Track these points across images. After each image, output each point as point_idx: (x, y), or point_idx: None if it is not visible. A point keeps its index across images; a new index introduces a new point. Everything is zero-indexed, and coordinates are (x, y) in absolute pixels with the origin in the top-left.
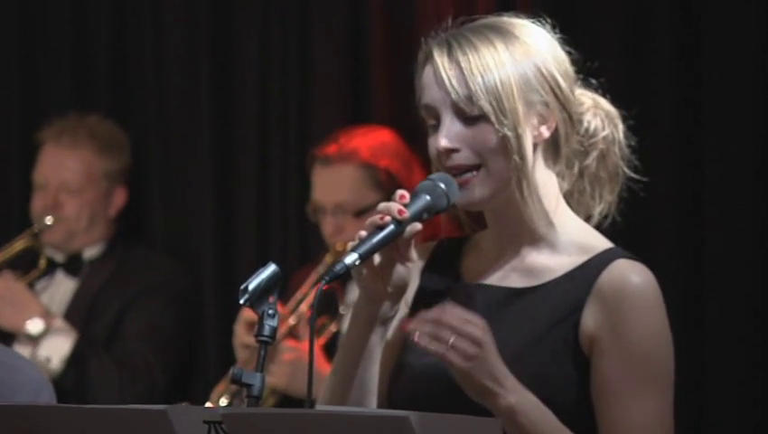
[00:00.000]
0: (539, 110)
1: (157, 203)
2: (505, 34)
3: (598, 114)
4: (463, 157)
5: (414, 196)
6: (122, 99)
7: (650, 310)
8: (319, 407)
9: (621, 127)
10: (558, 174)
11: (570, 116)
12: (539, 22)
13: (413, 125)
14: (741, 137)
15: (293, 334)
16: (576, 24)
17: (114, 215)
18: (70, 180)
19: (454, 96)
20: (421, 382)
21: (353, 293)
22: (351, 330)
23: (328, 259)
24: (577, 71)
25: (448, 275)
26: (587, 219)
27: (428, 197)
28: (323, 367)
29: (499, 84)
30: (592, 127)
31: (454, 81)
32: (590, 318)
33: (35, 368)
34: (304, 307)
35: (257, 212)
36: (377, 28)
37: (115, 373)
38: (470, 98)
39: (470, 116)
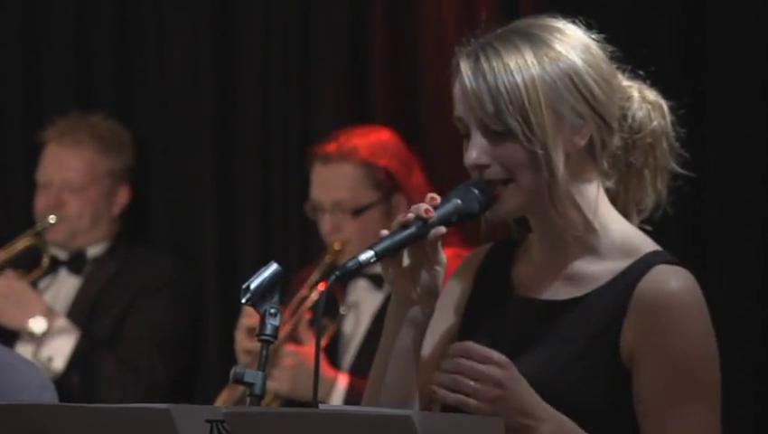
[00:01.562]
0: (572, 120)
1: (159, 203)
2: (535, 42)
3: (644, 106)
4: (494, 172)
5: (445, 199)
6: (124, 99)
7: (690, 318)
8: (322, 406)
9: (669, 117)
10: (598, 176)
11: (606, 121)
12: (575, 22)
13: (413, 125)
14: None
15: (294, 337)
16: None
17: (117, 214)
18: (73, 178)
19: (479, 113)
20: None
21: (353, 294)
22: (387, 334)
23: (327, 259)
24: (624, 62)
25: (499, 282)
26: (639, 212)
27: (459, 201)
28: (325, 369)
29: (526, 100)
30: (638, 121)
31: (479, 98)
32: (629, 330)
33: (37, 369)
34: (304, 310)
35: (258, 212)
36: (378, 28)
37: (117, 372)
38: (496, 115)
39: (497, 131)
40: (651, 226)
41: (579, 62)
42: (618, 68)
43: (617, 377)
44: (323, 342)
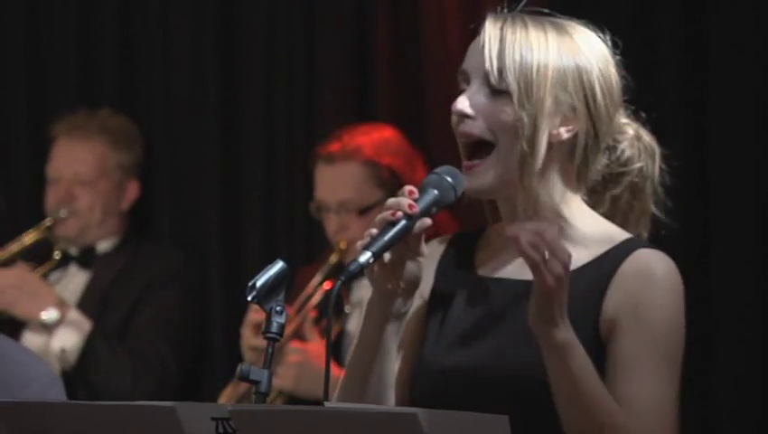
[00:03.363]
0: (565, 112)
1: (165, 200)
2: (561, 32)
3: (636, 145)
4: (475, 127)
5: (422, 191)
6: (128, 96)
7: (672, 296)
8: (328, 404)
9: (657, 163)
10: (572, 178)
11: (596, 131)
12: (602, 37)
13: (417, 123)
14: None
15: (299, 335)
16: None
17: (126, 209)
18: (84, 172)
19: (487, 64)
20: (442, 382)
21: (358, 292)
22: (366, 327)
23: (332, 258)
24: (630, 101)
25: (463, 269)
26: None
27: (436, 191)
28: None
29: (534, 69)
30: (626, 156)
31: (492, 51)
32: (611, 304)
33: (45, 364)
34: (309, 308)
35: (263, 209)
36: (382, 26)
37: (128, 364)
38: (501, 72)
39: (496, 88)
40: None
41: (594, 68)
42: (625, 101)
43: (596, 351)
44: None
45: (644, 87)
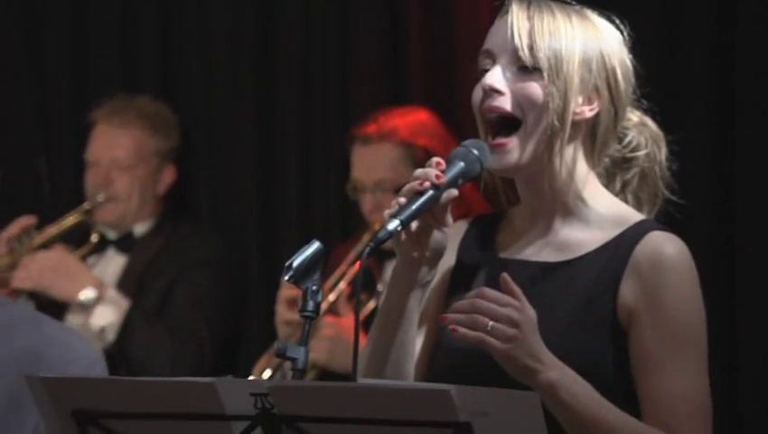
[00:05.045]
0: (589, 91)
1: (203, 184)
2: (583, 17)
3: (643, 132)
4: (505, 102)
5: (449, 163)
6: (167, 83)
7: (685, 280)
8: (361, 380)
9: (663, 149)
10: (591, 157)
11: (616, 111)
12: (617, 25)
13: (450, 105)
14: None
15: (332, 310)
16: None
17: (163, 192)
18: (122, 157)
19: (517, 41)
20: (460, 358)
21: (389, 271)
22: (391, 294)
23: (366, 236)
24: (653, 89)
25: (484, 251)
26: None
27: (462, 163)
28: (362, 342)
29: (563, 49)
30: (634, 143)
31: (522, 30)
32: (627, 291)
33: (88, 343)
34: (343, 285)
35: (299, 191)
36: (414, 12)
37: (167, 342)
38: (532, 48)
39: (526, 65)
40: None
41: (615, 52)
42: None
43: (616, 336)
44: (362, 316)
45: (670, 75)
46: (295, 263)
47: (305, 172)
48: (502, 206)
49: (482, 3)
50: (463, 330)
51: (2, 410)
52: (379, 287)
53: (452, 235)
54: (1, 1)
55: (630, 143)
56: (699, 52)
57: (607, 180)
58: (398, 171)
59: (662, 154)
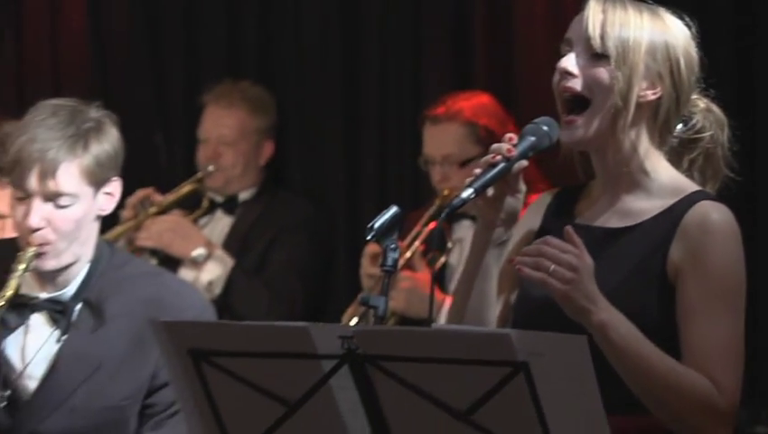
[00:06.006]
0: (653, 77)
1: (297, 157)
2: (653, 13)
3: (708, 117)
4: (576, 83)
5: (521, 138)
6: (267, 69)
7: (727, 243)
8: (434, 325)
9: (726, 132)
10: (654, 135)
11: (678, 96)
12: (688, 23)
13: (509, 90)
14: None
15: (409, 265)
16: None
17: (263, 164)
18: (228, 135)
19: (590, 31)
20: (536, 310)
21: (459, 231)
22: (472, 252)
23: (437, 202)
24: (701, 81)
25: (563, 217)
26: None
27: (533, 138)
28: (435, 293)
29: (630, 39)
30: (699, 126)
31: (596, 22)
32: (675, 251)
33: (199, 294)
34: (417, 243)
35: (378, 164)
36: (479, 9)
37: (264, 294)
38: (602, 37)
39: (597, 53)
40: None
41: (680, 45)
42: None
43: (664, 290)
44: (434, 269)
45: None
46: (377, 224)
47: (383, 147)
48: (579, 179)
49: (538, 8)
50: (527, 270)
51: (130, 347)
52: (449, 244)
53: (539, 204)
54: (126, 1)
55: (695, 125)
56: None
57: (676, 158)
58: (462, 147)
59: (725, 136)
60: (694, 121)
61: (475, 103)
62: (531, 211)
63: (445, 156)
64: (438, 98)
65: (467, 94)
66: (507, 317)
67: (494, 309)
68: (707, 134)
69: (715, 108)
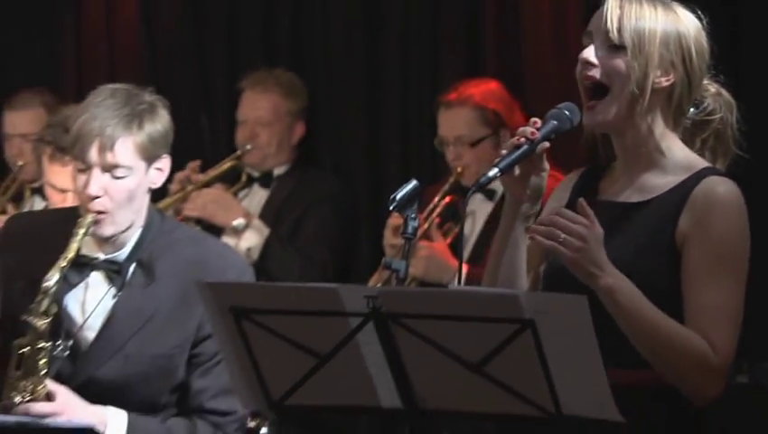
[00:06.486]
0: (666, 65)
1: (325, 136)
2: (667, 7)
3: (718, 100)
4: (596, 72)
5: (544, 121)
6: (298, 57)
7: (731, 215)
8: (451, 287)
9: (735, 114)
10: (668, 118)
11: (690, 82)
12: (699, 15)
13: (516, 78)
14: None
15: (426, 236)
16: None
17: (295, 143)
18: (263, 116)
19: (608, 24)
20: (559, 276)
21: (472, 204)
22: (502, 225)
23: (451, 179)
24: (712, 66)
25: (588, 194)
26: None
27: (555, 122)
28: (451, 261)
29: (646, 31)
30: (710, 108)
31: (614, 16)
32: (684, 221)
33: (239, 256)
34: (434, 216)
35: (399, 143)
36: (489, 5)
37: (297, 261)
38: (620, 30)
39: (615, 44)
40: None
41: (691, 35)
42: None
43: (673, 258)
44: (449, 240)
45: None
46: (398, 196)
47: (404, 129)
48: (601, 160)
49: (545, 7)
50: (540, 238)
51: (177, 303)
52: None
53: (566, 182)
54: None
55: (706, 108)
56: None
57: (689, 138)
58: (473, 128)
59: (734, 118)
60: (705, 104)
61: (484, 89)
62: (560, 188)
63: (458, 137)
64: (451, 85)
65: (477, 81)
66: (537, 287)
67: (524, 278)
68: (718, 116)
69: (724, 92)
